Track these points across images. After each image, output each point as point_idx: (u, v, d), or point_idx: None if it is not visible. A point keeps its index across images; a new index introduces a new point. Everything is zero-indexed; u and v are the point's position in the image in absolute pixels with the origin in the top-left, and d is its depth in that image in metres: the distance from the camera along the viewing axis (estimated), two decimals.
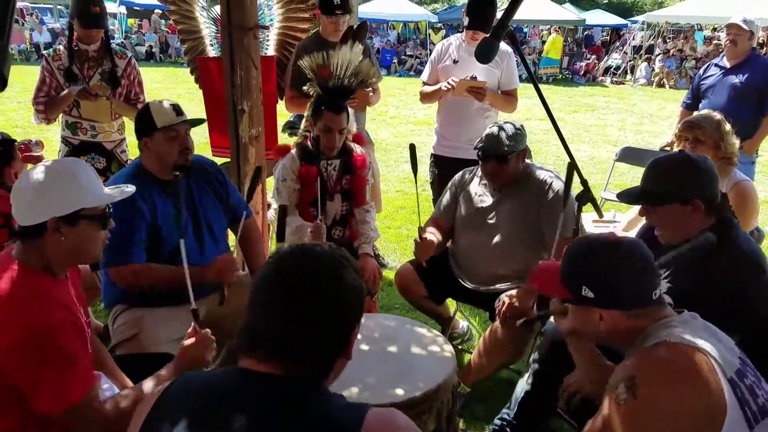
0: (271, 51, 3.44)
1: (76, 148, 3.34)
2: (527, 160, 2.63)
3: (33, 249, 1.49)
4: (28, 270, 1.46)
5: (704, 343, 1.29)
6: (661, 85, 16.41)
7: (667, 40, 19.00)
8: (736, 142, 2.60)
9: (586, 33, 22.30)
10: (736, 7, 10.14)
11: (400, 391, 1.77)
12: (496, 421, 2.21)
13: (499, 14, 2.61)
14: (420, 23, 22.11)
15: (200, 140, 4.06)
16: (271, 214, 3.50)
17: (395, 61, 19.05)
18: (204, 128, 2.98)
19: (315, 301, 1.02)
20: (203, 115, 2.99)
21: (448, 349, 2.04)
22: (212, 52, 3.42)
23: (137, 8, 22.46)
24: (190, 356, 1.64)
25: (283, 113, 3.63)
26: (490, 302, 2.51)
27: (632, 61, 18.33)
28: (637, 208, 2.46)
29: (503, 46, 3.09)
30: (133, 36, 21.05)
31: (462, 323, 3.15)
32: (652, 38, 18.93)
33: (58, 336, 1.39)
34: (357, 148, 2.87)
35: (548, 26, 20.08)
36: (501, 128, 2.49)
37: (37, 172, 1.50)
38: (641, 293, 1.39)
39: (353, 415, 0.99)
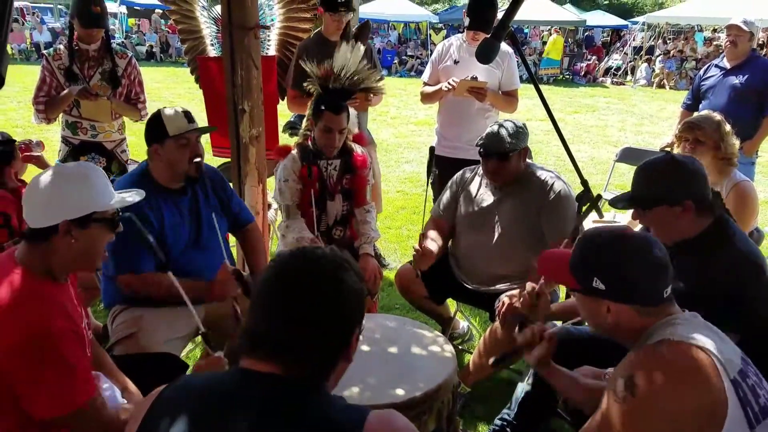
0: (272, 51, 3.44)
1: (76, 148, 3.34)
2: (528, 160, 2.63)
3: (38, 252, 1.49)
4: (31, 273, 1.47)
5: (707, 341, 1.28)
6: (661, 85, 16.42)
7: (668, 41, 19.02)
8: (736, 142, 2.60)
9: (586, 34, 22.33)
10: (736, 8, 10.13)
11: (400, 391, 1.77)
12: (497, 422, 2.21)
13: (499, 15, 2.61)
14: (421, 24, 22.12)
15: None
16: (272, 214, 3.50)
17: (396, 61, 19.06)
18: None
19: (315, 302, 1.03)
20: (203, 116, 2.99)
21: (449, 349, 2.04)
22: (213, 51, 3.42)
23: (138, 8, 22.47)
24: None
25: (284, 113, 3.64)
26: (490, 302, 2.50)
27: (633, 62, 18.35)
28: None
29: (504, 46, 3.09)
30: (133, 36, 21.06)
31: (462, 323, 3.15)
32: (652, 39, 18.94)
33: (59, 344, 1.40)
34: (357, 148, 2.88)
35: (549, 27, 20.08)
36: (503, 126, 2.49)
37: (51, 175, 1.52)
38: (653, 290, 1.37)
39: (354, 416, 0.99)
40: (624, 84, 17.24)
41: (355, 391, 1.76)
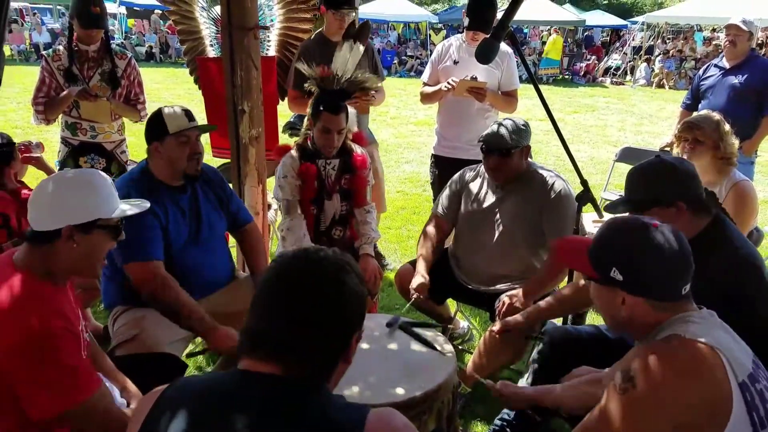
0: (272, 51, 3.44)
1: (75, 149, 3.34)
2: (529, 159, 2.63)
3: (39, 254, 1.51)
4: (31, 274, 1.48)
5: (719, 341, 1.26)
6: (660, 85, 16.43)
7: (667, 41, 19.03)
8: (736, 142, 2.60)
9: (586, 34, 22.34)
10: (736, 7, 10.15)
11: (400, 391, 1.77)
12: (497, 422, 2.21)
13: (499, 15, 2.61)
14: (420, 24, 22.14)
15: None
16: (272, 214, 3.50)
17: (396, 61, 19.07)
18: None
19: (317, 302, 1.03)
20: (203, 116, 2.99)
21: (449, 349, 2.04)
22: (212, 52, 3.42)
23: (137, 8, 22.46)
24: None
25: (284, 114, 3.64)
26: (490, 302, 2.51)
27: (632, 62, 18.36)
28: None
29: (503, 46, 3.09)
30: (133, 36, 21.06)
31: (462, 323, 3.15)
32: (651, 39, 18.95)
33: (59, 344, 1.41)
34: (357, 149, 2.87)
35: (548, 27, 20.10)
36: (505, 124, 2.49)
37: (58, 180, 1.55)
38: (671, 286, 1.34)
39: (354, 415, 0.99)
40: (623, 84, 17.25)
41: (355, 390, 1.76)
